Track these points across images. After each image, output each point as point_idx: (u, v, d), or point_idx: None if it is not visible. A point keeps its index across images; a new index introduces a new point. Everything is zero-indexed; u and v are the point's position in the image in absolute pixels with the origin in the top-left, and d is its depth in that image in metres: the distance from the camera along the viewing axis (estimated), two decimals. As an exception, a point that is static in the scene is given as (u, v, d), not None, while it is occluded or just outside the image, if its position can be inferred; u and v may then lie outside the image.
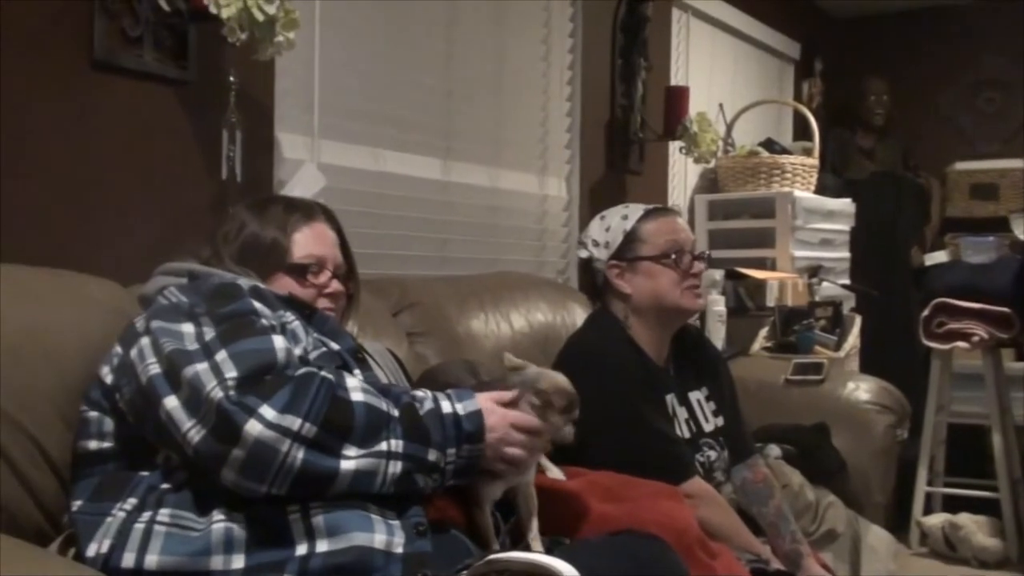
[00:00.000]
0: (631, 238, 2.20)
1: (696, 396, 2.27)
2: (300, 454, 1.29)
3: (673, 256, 2.17)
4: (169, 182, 2.23)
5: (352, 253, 1.86)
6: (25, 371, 1.51)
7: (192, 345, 1.38)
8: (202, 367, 1.33)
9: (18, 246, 1.91)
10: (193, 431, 1.30)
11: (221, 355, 1.34)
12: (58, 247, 1.99)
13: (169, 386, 1.35)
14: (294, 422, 1.29)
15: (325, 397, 1.33)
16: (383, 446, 1.36)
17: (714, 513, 1.95)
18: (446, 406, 1.44)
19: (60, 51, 2.02)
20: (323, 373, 1.37)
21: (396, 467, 1.36)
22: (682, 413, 2.19)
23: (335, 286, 1.75)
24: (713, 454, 2.20)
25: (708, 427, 2.24)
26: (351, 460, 1.33)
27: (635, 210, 2.24)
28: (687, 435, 2.17)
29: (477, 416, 1.45)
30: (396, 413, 1.40)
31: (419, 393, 1.47)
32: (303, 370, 1.36)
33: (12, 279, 1.64)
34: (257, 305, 1.48)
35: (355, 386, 1.40)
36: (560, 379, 1.56)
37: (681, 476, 2.00)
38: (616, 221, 2.23)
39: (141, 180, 2.18)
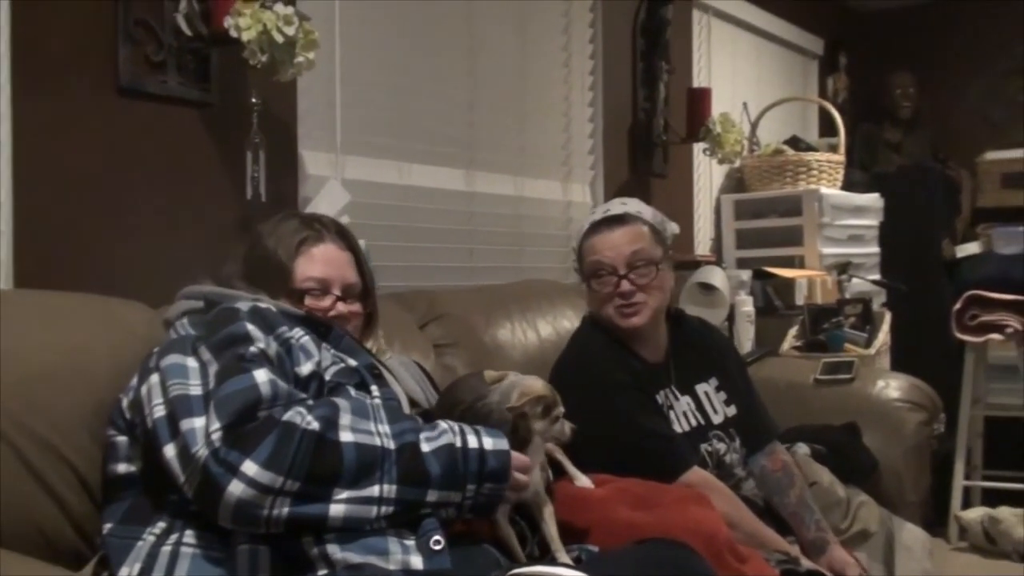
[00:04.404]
0: (580, 253, 2.24)
1: (704, 388, 2.27)
2: (285, 508, 1.29)
3: (591, 280, 2.19)
4: (195, 203, 2.27)
5: (369, 272, 1.87)
6: (59, 395, 1.54)
7: (195, 388, 1.39)
8: (198, 423, 1.34)
9: (47, 271, 1.96)
10: (186, 485, 1.33)
11: (212, 404, 1.35)
12: (88, 271, 2.03)
13: (169, 433, 1.37)
14: (275, 480, 1.28)
15: (308, 449, 1.32)
16: (375, 490, 1.35)
17: (718, 502, 1.89)
18: (472, 441, 1.44)
19: (86, 78, 2.07)
20: (308, 419, 1.35)
21: (388, 510, 1.35)
22: (681, 406, 2.19)
23: (339, 308, 1.75)
24: (722, 446, 2.20)
25: (717, 418, 2.24)
26: (341, 504, 1.32)
27: (588, 220, 2.24)
28: (690, 427, 2.17)
29: (504, 455, 1.45)
30: (393, 446, 1.39)
31: (442, 425, 1.46)
32: (287, 416, 1.34)
33: (44, 304, 1.68)
34: (250, 328, 1.49)
35: (346, 424, 1.38)
36: (531, 385, 1.58)
37: (676, 471, 2.00)
38: (579, 230, 2.26)
39: (167, 202, 2.22)
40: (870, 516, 2.35)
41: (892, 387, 2.83)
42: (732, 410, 2.28)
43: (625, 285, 2.14)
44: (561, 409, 1.59)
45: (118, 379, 1.57)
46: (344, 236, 1.84)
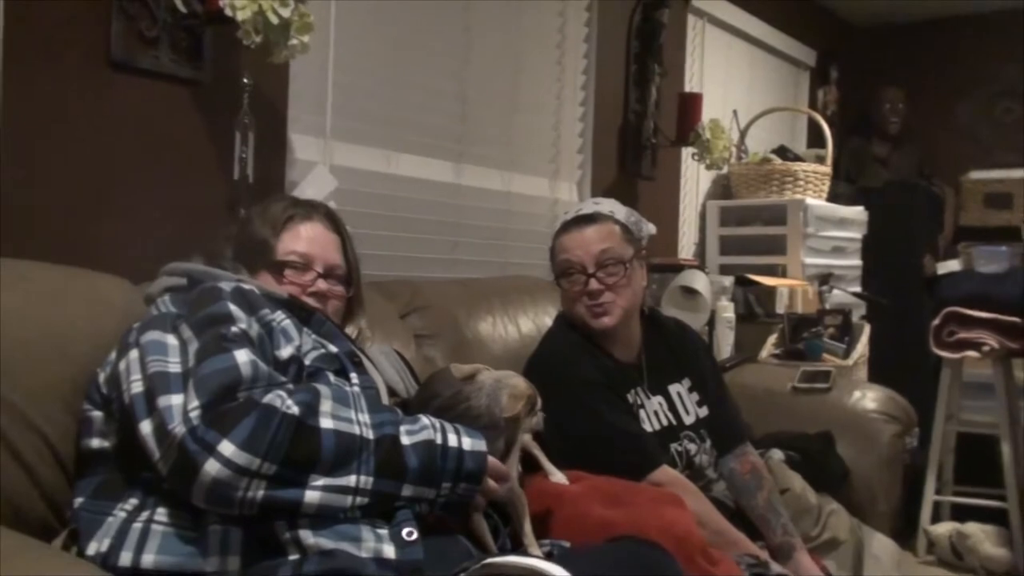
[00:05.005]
0: (552, 252, 2.25)
1: (677, 388, 2.28)
2: (260, 491, 1.29)
3: (561, 279, 2.20)
4: (182, 181, 2.26)
5: (355, 258, 1.87)
6: (37, 367, 1.53)
7: (174, 366, 1.39)
8: (176, 400, 1.33)
9: (32, 243, 1.93)
10: (161, 462, 1.32)
11: (191, 382, 1.34)
12: (71, 244, 2.02)
13: (146, 409, 1.36)
14: (252, 461, 1.28)
15: (286, 433, 1.31)
16: (351, 480, 1.34)
17: (686, 500, 1.88)
18: (452, 439, 1.44)
19: (78, 51, 2.05)
20: (288, 403, 1.34)
21: (363, 500, 1.35)
22: (652, 405, 2.20)
23: (320, 285, 1.75)
24: (693, 447, 2.21)
25: (689, 419, 2.25)
26: (316, 490, 1.32)
27: (560, 221, 2.25)
28: (660, 426, 2.18)
29: (481, 457, 1.45)
30: (372, 436, 1.39)
31: (424, 420, 1.46)
32: (267, 398, 1.34)
33: (26, 276, 1.67)
34: (232, 308, 1.48)
35: (327, 411, 1.38)
36: (519, 386, 1.59)
37: (645, 469, 2.01)
38: (553, 230, 2.26)
39: (154, 179, 2.20)
40: (840, 524, 2.37)
41: (868, 398, 2.85)
42: (704, 411, 2.29)
43: (593, 284, 2.15)
44: (540, 402, 1.60)
45: (96, 354, 1.56)
46: (333, 219, 1.85)
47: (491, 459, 1.49)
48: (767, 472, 2.28)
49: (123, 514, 1.38)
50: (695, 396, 2.29)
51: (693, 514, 1.81)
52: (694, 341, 2.46)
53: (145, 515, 1.36)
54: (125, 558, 1.32)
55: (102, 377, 1.51)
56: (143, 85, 2.17)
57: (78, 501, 1.44)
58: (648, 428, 2.15)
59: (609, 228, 2.18)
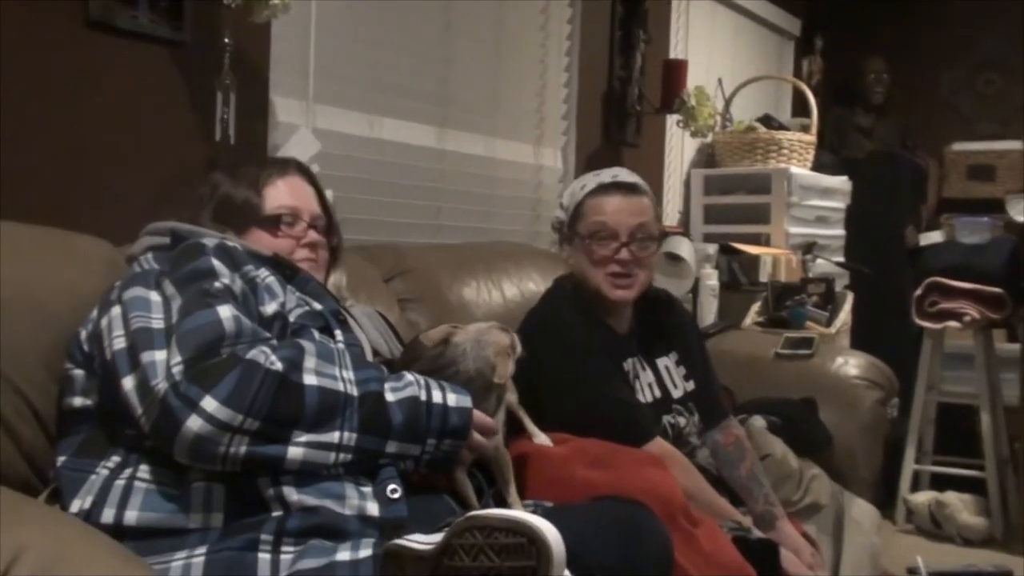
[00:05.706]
0: (577, 210, 2.18)
1: (664, 362, 2.28)
2: (243, 447, 1.28)
3: (590, 240, 2.15)
4: (162, 143, 2.23)
5: (332, 207, 1.87)
6: (16, 328, 1.51)
7: (157, 321, 1.38)
8: (159, 356, 1.32)
9: (11, 203, 1.90)
10: (143, 418, 1.31)
11: (174, 338, 1.34)
12: (51, 205, 1.99)
13: (129, 365, 1.35)
14: (234, 417, 1.27)
15: (269, 389, 1.30)
16: (335, 436, 1.34)
17: (677, 473, 1.90)
18: (436, 396, 1.44)
19: (55, 10, 2.01)
20: (272, 359, 1.34)
21: (347, 457, 1.35)
22: (645, 377, 2.20)
23: (312, 236, 1.76)
24: (682, 420, 2.21)
25: (677, 392, 2.25)
26: (299, 446, 1.31)
27: (594, 181, 2.19)
28: (651, 399, 2.18)
29: (466, 413, 1.45)
30: (356, 393, 1.38)
31: (408, 377, 1.46)
32: (251, 354, 1.33)
33: (5, 236, 1.64)
34: (215, 263, 1.47)
35: (311, 367, 1.37)
36: (499, 343, 1.57)
37: (639, 439, 2.00)
38: (578, 187, 2.22)
39: (134, 140, 2.18)
40: (821, 489, 2.38)
41: (851, 364, 2.86)
42: (691, 385, 2.29)
43: (624, 253, 2.12)
44: (519, 344, 1.60)
45: (77, 313, 1.55)
46: (305, 172, 1.85)
47: (478, 413, 1.49)
48: (749, 443, 2.29)
49: (105, 472, 1.37)
50: (682, 370, 2.30)
51: (683, 487, 1.81)
52: (682, 315, 2.45)
53: (128, 472, 1.35)
54: (108, 515, 1.31)
55: (83, 335, 1.49)
56: (122, 45, 2.13)
57: (60, 460, 1.42)
58: (642, 399, 2.16)
59: (646, 203, 2.18)
